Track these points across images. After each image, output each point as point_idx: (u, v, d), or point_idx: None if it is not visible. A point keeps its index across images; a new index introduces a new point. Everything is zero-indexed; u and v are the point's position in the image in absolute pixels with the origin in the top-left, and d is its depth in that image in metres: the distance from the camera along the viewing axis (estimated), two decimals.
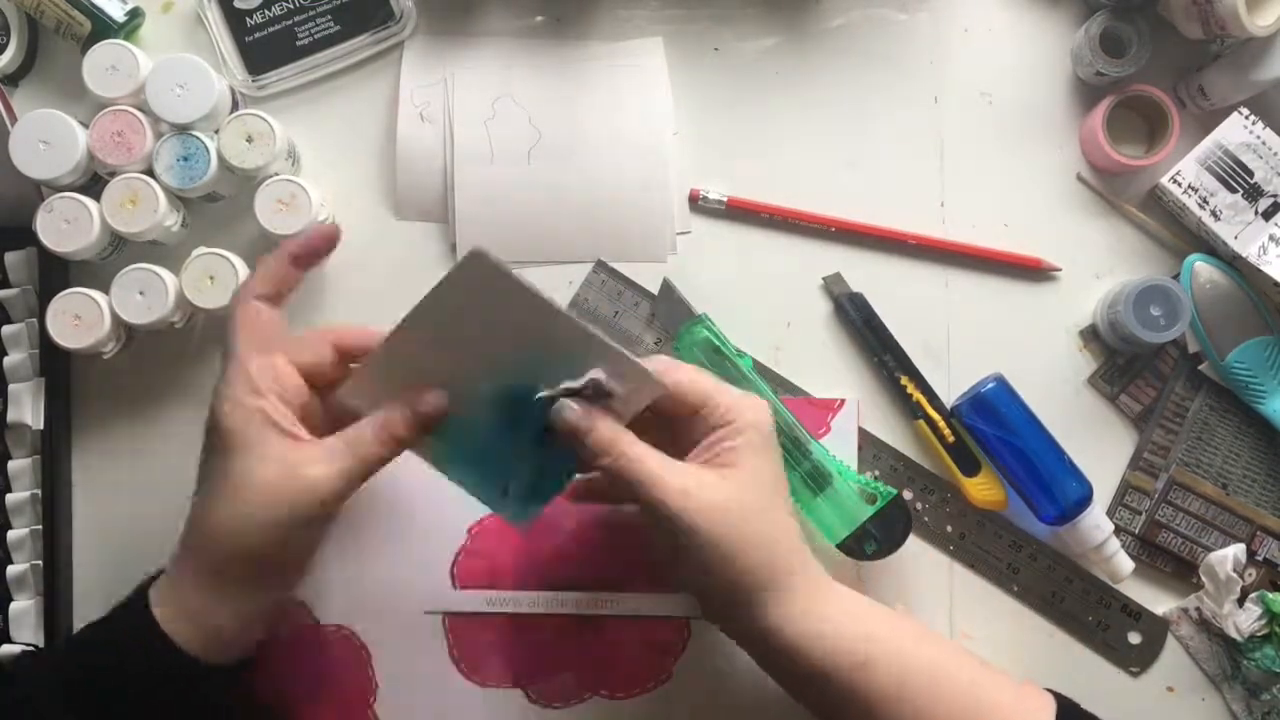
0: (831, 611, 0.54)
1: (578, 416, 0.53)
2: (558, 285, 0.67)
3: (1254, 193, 0.64)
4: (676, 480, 0.53)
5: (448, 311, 0.52)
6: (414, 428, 0.53)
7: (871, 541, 0.62)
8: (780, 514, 0.55)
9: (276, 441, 0.52)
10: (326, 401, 0.57)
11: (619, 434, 0.53)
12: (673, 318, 0.66)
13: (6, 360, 0.65)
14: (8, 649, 0.63)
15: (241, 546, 0.52)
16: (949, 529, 0.66)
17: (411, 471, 0.65)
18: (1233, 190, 0.64)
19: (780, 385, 0.67)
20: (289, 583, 0.58)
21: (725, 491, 0.53)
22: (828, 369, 0.67)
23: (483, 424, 0.54)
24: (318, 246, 0.57)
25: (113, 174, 0.62)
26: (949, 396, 0.67)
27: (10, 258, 0.66)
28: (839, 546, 0.62)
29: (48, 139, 0.62)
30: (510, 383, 0.53)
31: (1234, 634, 0.64)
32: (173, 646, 0.52)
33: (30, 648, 0.63)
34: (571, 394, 0.53)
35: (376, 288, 0.67)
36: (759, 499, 0.54)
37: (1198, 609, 0.65)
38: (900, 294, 0.67)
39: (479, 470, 0.56)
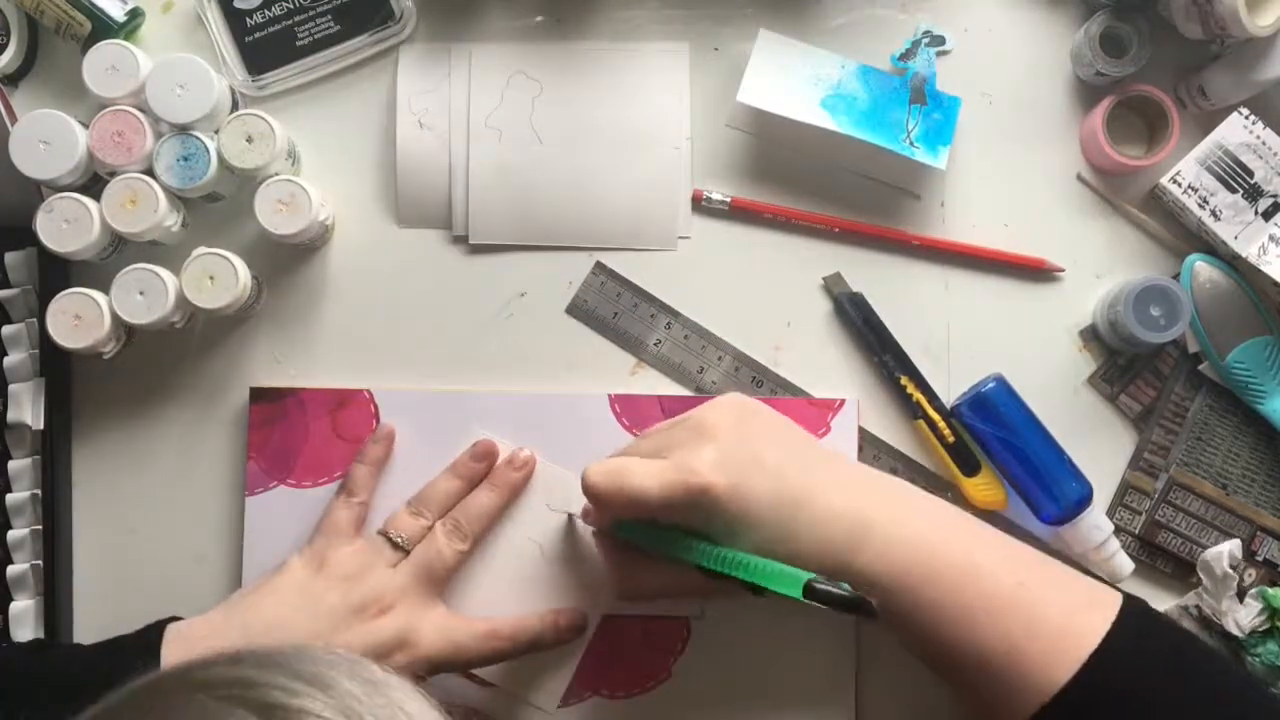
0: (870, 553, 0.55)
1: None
2: (558, 286, 0.67)
3: (1254, 193, 0.64)
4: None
5: None
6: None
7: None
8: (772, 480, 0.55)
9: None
10: None
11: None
12: None
13: (6, 360, 0.65)
14: None
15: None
16: None
17: (411, 470, 0.65)
18: (1233, 190, 0.64)
19: (780, 385, 0.67)
20: None
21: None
22: (828, 369, 0.67)
23: None
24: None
25: (113, 174, 0.62)
26: (949, 396, 0.66)
27: (10, 258, 0.66)
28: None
29: (48, 139, 0.61)
30: None
31: (1235, 630, 0.63)
32: None
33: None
34: None
35: (377, 288, 0.67)
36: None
37: (1197, 607, 0.65)
38: (900, 294, 0.67)
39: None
